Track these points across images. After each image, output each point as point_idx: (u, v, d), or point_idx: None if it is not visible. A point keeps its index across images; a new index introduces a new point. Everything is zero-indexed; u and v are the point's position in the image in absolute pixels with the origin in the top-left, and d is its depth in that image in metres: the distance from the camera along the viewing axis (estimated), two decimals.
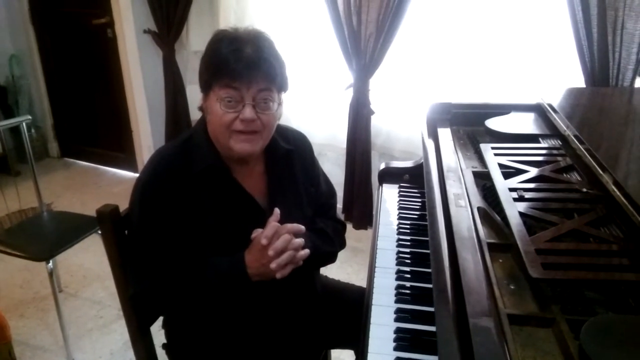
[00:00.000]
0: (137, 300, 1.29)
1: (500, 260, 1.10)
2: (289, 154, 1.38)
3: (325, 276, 1.65)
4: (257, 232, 1.23)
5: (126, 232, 1.32)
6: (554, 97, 1.74)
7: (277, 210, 1.24)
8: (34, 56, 4.12)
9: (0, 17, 4.00)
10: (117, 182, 4.00)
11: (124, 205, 1.32)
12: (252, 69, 1.17)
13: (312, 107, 3.12)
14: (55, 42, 4.04)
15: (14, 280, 2.77)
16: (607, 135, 1.48)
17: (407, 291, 1.28)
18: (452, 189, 1.32)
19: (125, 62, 3.69)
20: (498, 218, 1.21)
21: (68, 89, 4.16)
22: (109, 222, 1.27)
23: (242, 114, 1.18)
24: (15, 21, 4.03)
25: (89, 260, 2.89)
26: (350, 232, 3.19)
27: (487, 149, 1.50)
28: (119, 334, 2.39)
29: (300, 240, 1.23)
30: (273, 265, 1.18)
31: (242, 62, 1.16)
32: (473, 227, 1.15)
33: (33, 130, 4.18)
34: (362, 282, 1.49)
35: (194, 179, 1.23)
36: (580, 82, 2.26)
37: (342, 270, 2.69)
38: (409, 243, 1.50)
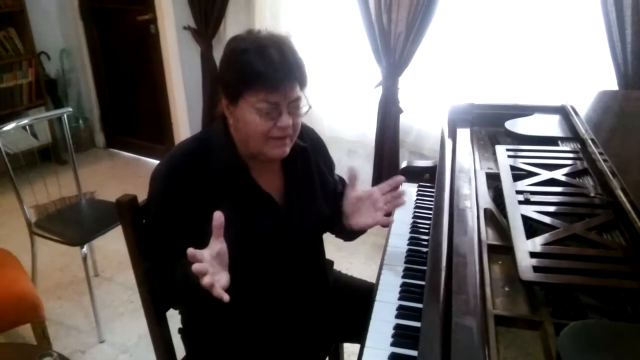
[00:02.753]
0: (148, 278, 1.35)
1: (500, 262, 1.11)
2: (304, 150, 1.41)
3: (339, 271, 1.68)
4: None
5: (144, 221, 1.37)
6: (583, 99, 1.71)
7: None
8: (82, 50, 4.31)
9: (52, 12, 4.19)
10: None
11: None
12: (289, 79, 1.18)
13: (343, 104, 3.15)
14: (102, 37, 4.21)
15: (55, 263, 2.93)
16: (628, 139, 1.45)
17: (412, 289, 1.30)
18: (462, 189, 1.32)
19: (166, 58, 3.80)
20: (504, 220, 1.21)
21: (113, 82, 4.34)
22: (127, 211, 1.33)
23: (279, 122, 1.20)
24: (65, 16, 4.22)
25: (124, 247, 2.98)
26: (377, 229, 3.20)
27: (501, 150, 1.50)
28: None
29: None
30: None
31: (278, 73, 1.17)
32: (476, 228, 1.16)
33: (81, 122, 4.38)
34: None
35: (212, 176, 1.27)
36: (613, 84, 2.21)
37: (367, 266, 2.71)
38: (421, 242, 1.51)
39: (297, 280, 1.40)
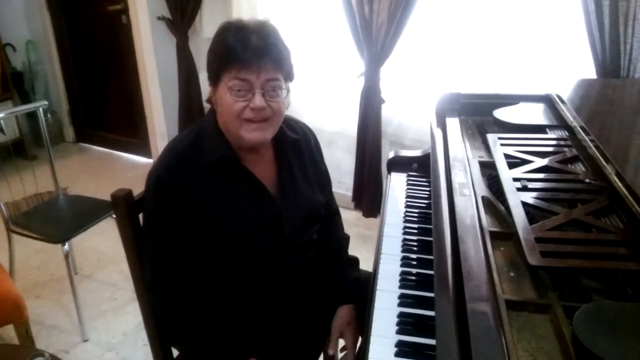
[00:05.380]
0: (154, 293, 1.32)
1: (502, 248, 1.13)
2: (297, 142, 1.41)
3: None
4: None
5: (141, 223, 1.35)
6: (564, 88, 1.74)
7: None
8: (49, 42, 4.19)
9: (17, 3, 4.06)
10: (131, 167, 4.07)
11: (137, 190, 1.36)
12: (260, 56, 1.17)
13: (324, 95, 3.15)
14: (71, 28, 4.10)
15: (31, 262, 2.85)
16: (614, 126, 1.49)
17: (411, 277, 1.32)
18: (458, 178, 1.34)
19: (140, 49, 3.73)
20: (502, 207, 1.23)
21: (83, 74, 4.23)
22: (123, 206, 1.30)
23: (252, 103, 1.19)
24: (31, 7, 4.09)
25: (103, 244, 2.96)
26: (360, 219, 3.23)
27: (493, 139, 1.52)
28: (132, 315, 2.45)
29: None
30: None
31: (249, 51, 1.16)
32: (476, 216, 1.17)
33: (49, 115, 4.26)
34: (370, 269, 1.52)
35: (206, 170, 1.25)
36: (591, 73, 2.26)
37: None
38: (415, 231, 1.53)
39: (294, 272, 1.40)
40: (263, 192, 1.32)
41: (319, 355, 1.53)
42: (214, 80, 1.23)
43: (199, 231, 1.25)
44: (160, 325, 1.39)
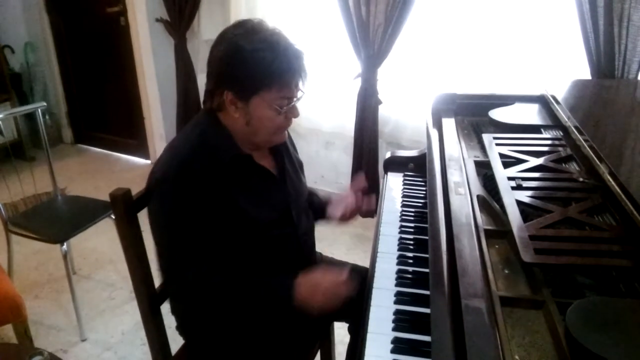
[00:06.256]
0: (193, 285, 1.31)
1: (497, 246, 1.14)
2: None
3: (331, 257, 1.74)
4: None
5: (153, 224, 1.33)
6: (558, 88, 1.76)
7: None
8: (48, 44, 4.19)
9: (16, 5, 4.06)
10: (130, 169, 4.07)
11: (135, 190, 1.37)
12: (300, 74, 1.26)
13: (321, 96, 3.16)
14: (69, 29, 4.10)
15: (29, 262, 2.86)
16: (608, 126, 1.51)
17: (407, 275, 1.33)
18: (453, 177, 1.36)
19: (138, 51, 3.74)
20: (497, 206, 1.25)
21: (82, 76, 4.23)
22: (121, 205, 1.31)
23: (292, 114, 1.30)
24: (30, 9, 4.09)
25: (101, 244, 2.97)
26: (357, 219, 3.24)
27: (489, 139, 1.53)
28: (131, 315, 2.46)
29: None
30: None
31: (292, 71, 1.23)
32: (471, 214, 1.19)
33: (47, 117, 4.26)
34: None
35: (220, 169, 1.27)
36: (586, 73, 2.28)
37: (349, 257, 2.72)
38: (411, 230, 1.55)
39: (299, 261, 1.43)
40: (274, 183, 1.40)
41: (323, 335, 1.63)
42: (246, 94, 1.24)
43: (222, 223, 1.28)
44: (207, 308, 1.38)
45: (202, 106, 1.37)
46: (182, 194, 1.24)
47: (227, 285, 1.29)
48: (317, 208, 1.60)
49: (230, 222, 1.28)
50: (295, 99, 1.28)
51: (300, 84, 1.27)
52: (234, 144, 1.30)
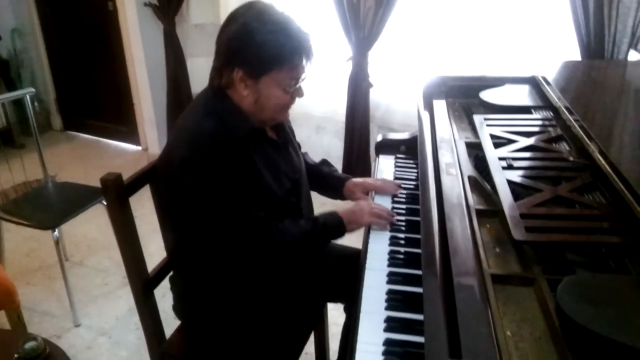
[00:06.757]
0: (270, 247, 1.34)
1: (488, 226, 1.15)
2: None
3: None
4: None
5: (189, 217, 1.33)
6: (549, 69, 1.77)
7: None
8: (35, 30, 4.13)
9: None
10: (119, 155, 4.05)
11: (126, 176, 1.36)
12: (309, 55, 1.31)
13: (312, 80, 3.12)
14: (57, 15, 4.04)
15: (21, 249, 2.84)
16: (597, 106, 1.52)
17: (400, 256, 1.34)
18: (444, 158, 1.36)
19: (126, 36, 3.70)
20: (487, 186, 1.26)
21: (70, 62, 4.18)
22: (113, 190, 1.31)
23: (298, 94, 1.36)
24: None
25: (92, 231, 2.96)
26: (349, 203, 3.24)
27: (480, 120, 1.54)
28: (124, 300, 2.46)
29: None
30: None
31: (303, 52, 1.28)
32: (463, 195, 1.20)
33: (36, 104, 4.21)
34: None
35: (239, 143, 1.29)
36: (576, 54, 2.28)
37: (340, 240, 2.74)
38: (403, 211, 1.55)
39: None
40: (283, 154, 1.45)
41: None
42: (257, 73, 1.27)
43: (250, 193, 1.30)
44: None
45: (192, 91, 1.37)
46: (218, 164, 1.24)
47: (290, 225, 1.36)
48: (331, 183, 1.68)
49: (255, 192, 1.31)
50: (301, 80, 1.32)
51: (308, 65, 1.31)
52: (247, 118, 1.33)
